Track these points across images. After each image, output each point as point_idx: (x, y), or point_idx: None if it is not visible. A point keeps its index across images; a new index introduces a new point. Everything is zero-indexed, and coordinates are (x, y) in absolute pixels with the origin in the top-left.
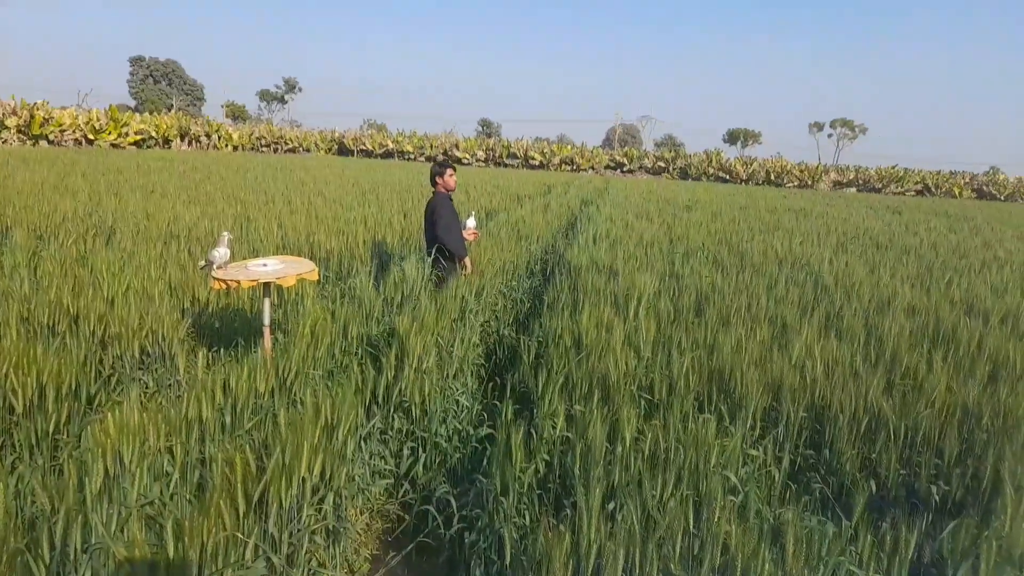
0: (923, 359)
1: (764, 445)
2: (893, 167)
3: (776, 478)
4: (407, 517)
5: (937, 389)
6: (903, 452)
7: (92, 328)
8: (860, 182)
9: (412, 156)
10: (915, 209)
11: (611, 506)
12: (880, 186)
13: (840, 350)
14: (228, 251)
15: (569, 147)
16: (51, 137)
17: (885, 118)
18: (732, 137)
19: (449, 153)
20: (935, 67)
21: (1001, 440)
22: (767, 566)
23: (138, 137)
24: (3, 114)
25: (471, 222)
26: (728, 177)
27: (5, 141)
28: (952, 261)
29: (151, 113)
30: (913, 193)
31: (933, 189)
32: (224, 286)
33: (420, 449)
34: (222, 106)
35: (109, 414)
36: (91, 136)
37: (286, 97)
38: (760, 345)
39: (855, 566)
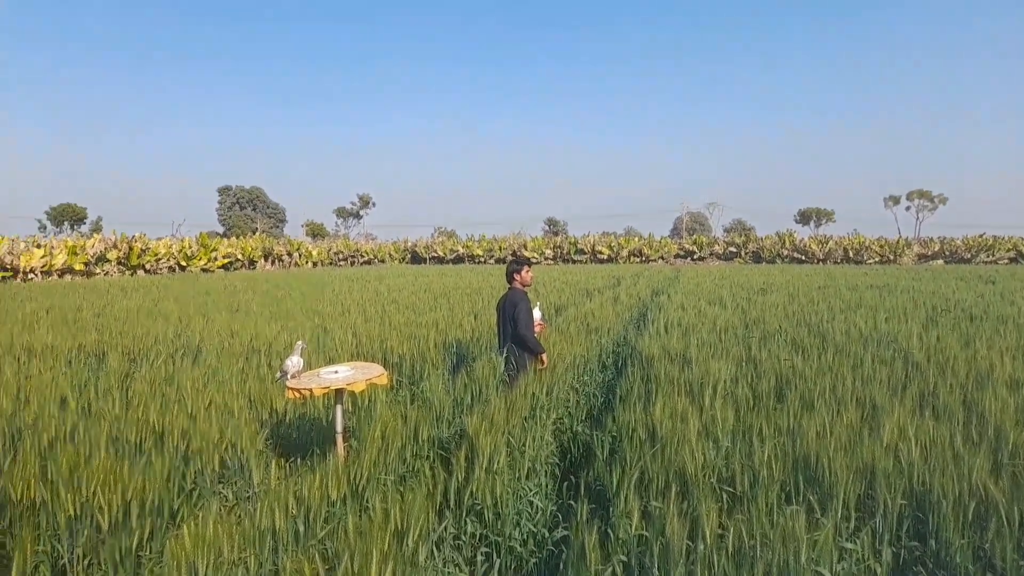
0: None
1: (860, 537)
2: (981, 235)
3: (878, 573)
4: None
5: None
6: (1021, 539)
7: (176, 443)
8: (946, 253)
9: (482, 259)
10: (1009, 277)
11: None
12: (969, 256)
13: (938, 430)
14: (301, 360)
15: (637, 239)
16: (148, 266)
17: (965, 186)
18: (804, 217)
19: (518, 253)
20: (1014, 127)
21: None
22: None
23: (226, 260)
24: (105, 248)
25: (536, 313)
26: (803, 258)
27: (107, 273)
28: None
29: (238, 237)
30: (1006, 261)
31: None
32: (298, 395)
33: (495, 554)
34: (302, 225)
35: (185, 527)
36: (183, 263)
37: (361, 212)
38: (848, 429)
39: None
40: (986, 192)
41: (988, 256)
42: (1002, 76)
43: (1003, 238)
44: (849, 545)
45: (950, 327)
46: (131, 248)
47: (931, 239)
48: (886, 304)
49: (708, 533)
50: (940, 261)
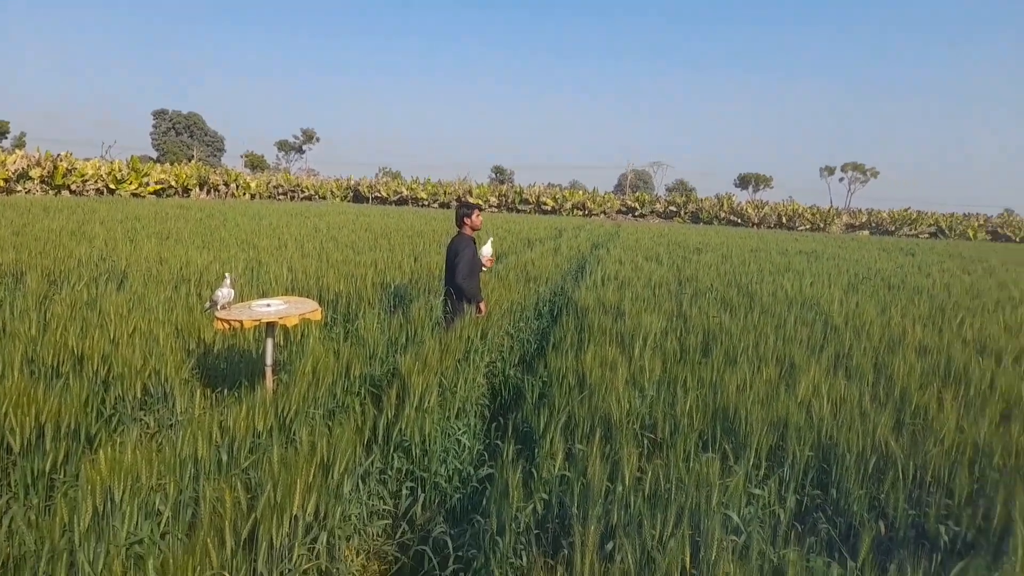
0: (934, 398)
1: (769, 484)
2: (906, 210)
3: (781, 518)
4: (404, 558)
5: (947, 428)
6: (912, 492)
7: (96, 368)
8: (873, 225)
9: (426, 203)
10: (928, 251)
11: (609, 546)
12: (893, 229)
13: (848, 389)
14: (231, 291)
15: (581, 192)
16: (73, 187)
17: (897, 161)
18: (743, 181)
19: (463, 199)
20: (947, 109)
21: (1013, 479)
22: None
23: (158, 187)
24: (28, 165)
25: (487, 249)
26: (740, 221)
27: (29, 191)
28: (965, 301)
29: (172, 164)
30: (927, 235)
31: (947, 231)
32: (228, 327)
33: (419, 489)
34: (241, 156)
35: (102, 451)
36: (112, 186)
37: (304, 147)
38: (767, 384)
39: None
40: (915, 168)
41: (911, 229)
42: (942, 57)
43: (926, 213)
44: (757, 491)
45: (869, 294)
46: (56, 167)
47: (860, 211)
48: (812, 269)
49: (627, 475)
50: (866, 232)
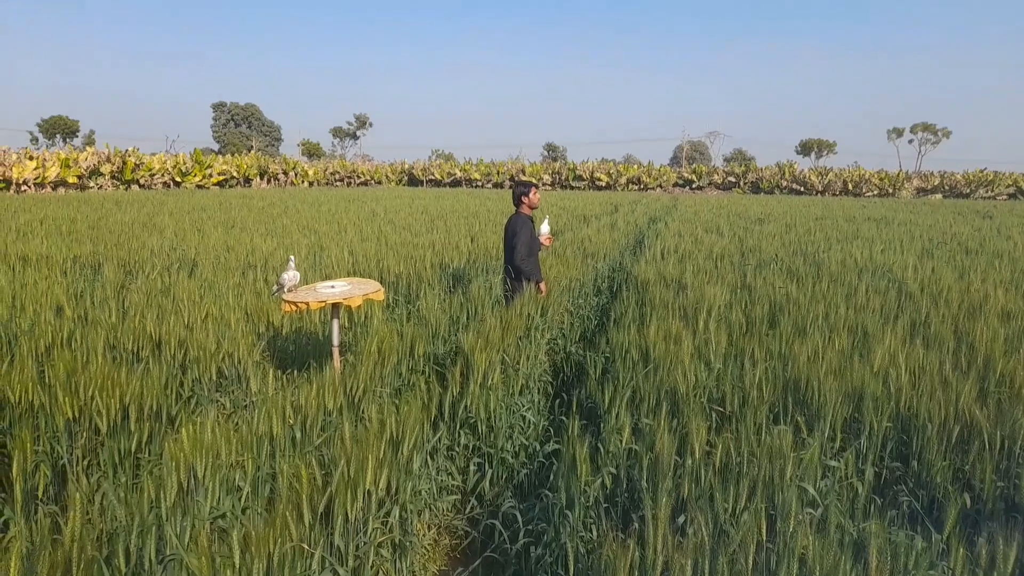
0: (1020, 365)
1: (845, 457)
2: (982, 171)
3: (859, 491)
4: (474, 532)
5: None
6: (999, 463)
7: (173, 353)
8: (946, 188)
9: (480, 183)
10: (1008, 213)
11: (681, 519)
12: (968, 191)
13: (927, 358)
14: (297, 273)
15: (636, 167)
16: (142, 181)
17: (970, 121)
18: (805, 148)
19: (516, 177)
20: (1021, 63)
21: None
22: None
23: (221, 178)
24: (98, 161)
25: (545, 228)
26: (802, 189)
27: (100, 187)
28: None
29: (232, 155)
30: (1005, 197)
31: None
32: (295, 308)
33: (487, 465)
34: (298, 145)
35: (183, 431)
36: (178, 179)
37: (358, 133)
38: (839, 354)
39: None
40: (990, 128)
41: (987, 191)
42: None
43: (1003, 174)
44: (833, 463)
45: (945, 260)
46: (125, 162)
47: (931, 173)
48: (883, 236)
49: (696, 449)
50: (939, 195)
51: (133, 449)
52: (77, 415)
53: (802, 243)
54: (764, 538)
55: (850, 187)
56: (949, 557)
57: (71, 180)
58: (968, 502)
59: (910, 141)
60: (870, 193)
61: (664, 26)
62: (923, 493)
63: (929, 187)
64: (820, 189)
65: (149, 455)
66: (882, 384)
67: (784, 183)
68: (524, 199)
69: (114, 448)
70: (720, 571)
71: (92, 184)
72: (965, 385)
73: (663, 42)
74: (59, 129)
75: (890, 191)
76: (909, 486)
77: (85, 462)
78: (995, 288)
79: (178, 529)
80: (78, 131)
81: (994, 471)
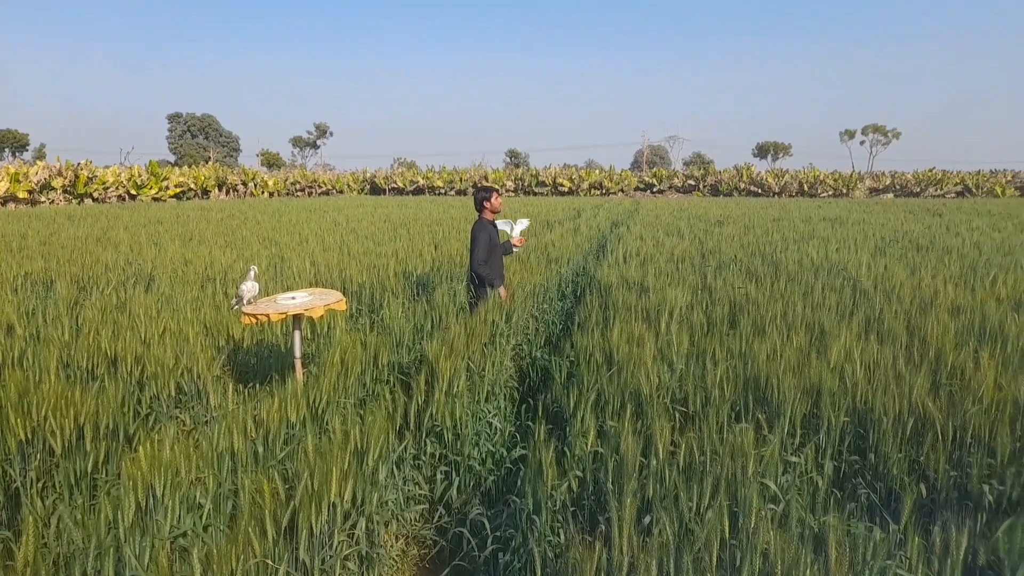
0: (970, 357)
1: (805, 452)
2: (931, 170)
3: (819, 485)
4: (443, 541)
5: (985, 386)
6: (952, 453)
7: (129, 369)
8: (897, 187)
9: (443, 191)
10: (956, 210)
11: (647, 520)
12: (918, 190)
13: (881, 353)
14: (256, 284)
15: (598, 172)
16: (95, 195)
17: (918, 121)
18: (762, 151)
19: (479, 184)
20: (968, 63)
21: None
22: (808, 572)
23: (178, 190)
24: (49, 175)
25: (521, 225)
26: (760, 191)
27: (52, 201)
28: (996, 259)
29: (190, 166)
30: (953, 195)
31: (974, 190)
32: (255, 321)
33: (454, 473)
34: (257, 155)
35: (141, 449)
36: (133, 192)
37: (318, 142)
38: (797, 352)
39: (904, 570)
40: (938, 128)
41: (936, 190)
42: (959, 8)
43: (951, 173)
44: (794, 459)
45: (897, 257)
46: (77, 176)
47: (883, 173)
48: (837, 235)
49: (661, 449)
50: (891, 195)
51: (89, 470)
52: (30, 436)
53: (760, 244)
54: (728, 535)
55: (806, 188)
56: (906, 546)
57: (21, 195)
58: (923, 492)
59: (862, 142)
60: (825, 194)
61: (623, 32)
62: (880, 485)
63: (881, 187)
64: (777, 191)
65: (106, 475)
66: (839, 380)
67: (742, 185)
68: (486, 204)
69: (69, 469)
70: (685, 570)
71: (43, 199)
72: (918, 378)
73: (622, 48)
74: (8, 143)
75: (844, 191)
76: (867, 479)
77: (39, 484)
78: (945, 284)
79: (137, 550)
80: (28, 145)
81: (947, 461)
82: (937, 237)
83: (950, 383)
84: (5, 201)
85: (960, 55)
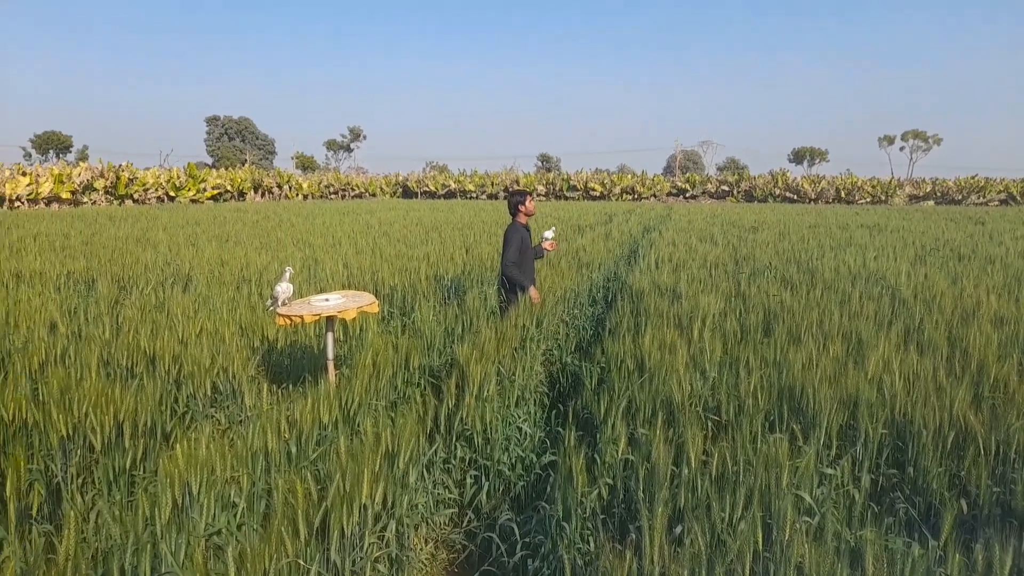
0: (1014, 370)
1: (841, 465)
2: (973, 177)
3: (856, 498)
4: (471, 546)
5: None
6: (995, 468)
7: (167, 368)
8: (938, 194)
9: (474, 194)
10: (999, 219)
11: (678, 529)
12: (960, 198)
13: (921, 364)
14: (291, 286)
15: (630, 176)
16: (135, 196)
17: (960, 127)
18: (798, 156)
19: (510, 188)
20: (1012, 66)
21: None
22: None
23: (215, 192)
24: (92, 176)
25: (549, 233)
26: (795, 197)
27: (94, 202)
28: None
29: (227, 169)
30: (997, 203)
31: (1019, 197)
32: (289, 322)
33: (483, 477)
34: (292, 158)
35: (178, 447)
36: (172, 193)
37: (352, 145)
38: (833, 361)
39: None
40: (980, 134)
41: (979, 197)
42: (1004, 15)
43: (994, 180)
44: (829, 471)
45: (938, 266)
46: (118, 177)
47: (923, 180)
48: (876, 243)
49: (693, 458)
50: (931, 202)
51: (128, 466)
52: (71, 432)
53: (796, 251)
54: (761, 547)
55: (843, 195)
56: (946, 563)
57: (64, 196)
58: (964, 508)
59: (901, 148)
60: (863, 200)
61: (658, 36)
62: (919, 500)
63: (921, 194)
64: (813, 197)
65: (144, 472)
66: (877, 391)
67: (777, 191)
68: (520, 207)
69: (109, 465)
70: None
71: (86, 199)
72: (959, 391)
73: (656, 52)
74: (52, 144)
75: (882, 198)
76: (905, 493)
77: (79, 480)
78: (988, 294)
79: (173, 546)
80: (71, 146)
81: (990, 477)
82: (980, 246)
83: (993, 396)
84: (49, 202)
85: (1005, 59)
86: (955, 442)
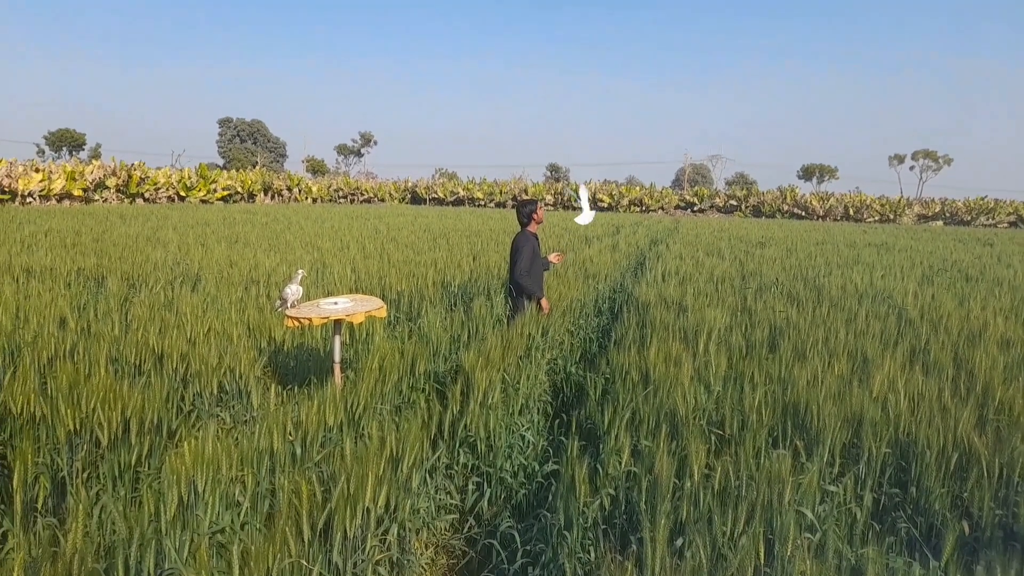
0: (1019, 393)
1: (844, 482)
2: (983, 198)
3: (858, 517)
4: (472, 552)
5: None
6: (998, 491)
7: (175, 366)
8: (947, 215)
9: (482, 202)
10: (1008, 241)
11: (679, 542)
12: (969, 218)
13: (926, 384)
14: (300, 288)
15: (638, 188)
16: (146, 195)
17: (971, 148)
18: (807, 173)
19: (519, 197)
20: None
21: None
22: None
23: (225, 193)
24: (104, 175)
25: (584, 192)
26: (804, 214)
27: (105, 200)
28: None
29: (237, 170)
30: (1006, 225)
31: None
32: (297, 324)
33: (485, 484)
34: (303, 161)
35: (185, 444)
36: (183, 193)
37: (362, 150)
38: (838, 379)
39: None
40: (991, 155)
41: (988, 219)
42: (1016, 37)
43: (1004, 202)
44: (832, 488)
45: (945, 286)
46: (130, 176)
47: (932, 200)
48: (883, 262)
49: (696, 471)
50: (940, 222)
51: (133, 462)
52: (78, 427)
53: (803, 267)
54: (762, 562)
55: (851, 212)
56: None
57: (76, 193)
58: (966, 529)
59: (911, 168)
60: (871, 219)
61: (668, 49)
62: (921, 520)
63: (930, 214)
64: (821, 214)
65: (149, 469)
66: (881, 409)
67: (785, 207)
68: (533, 216)
69: (114, 461)
70: None
71: (97, 197)
72: (964, 412)
73: (667, 65)
74: (65, 142)
75: (891, 217)
76: (907, 512)
77: (85, 475)
78: (995, 316)
79: (177, 543)
80: (84, 144)
81: (992, 499)
82: (988, 267)
83: (997, 419)
84: (61, 198)
85: (1016, 81)
86: (958, 463)
